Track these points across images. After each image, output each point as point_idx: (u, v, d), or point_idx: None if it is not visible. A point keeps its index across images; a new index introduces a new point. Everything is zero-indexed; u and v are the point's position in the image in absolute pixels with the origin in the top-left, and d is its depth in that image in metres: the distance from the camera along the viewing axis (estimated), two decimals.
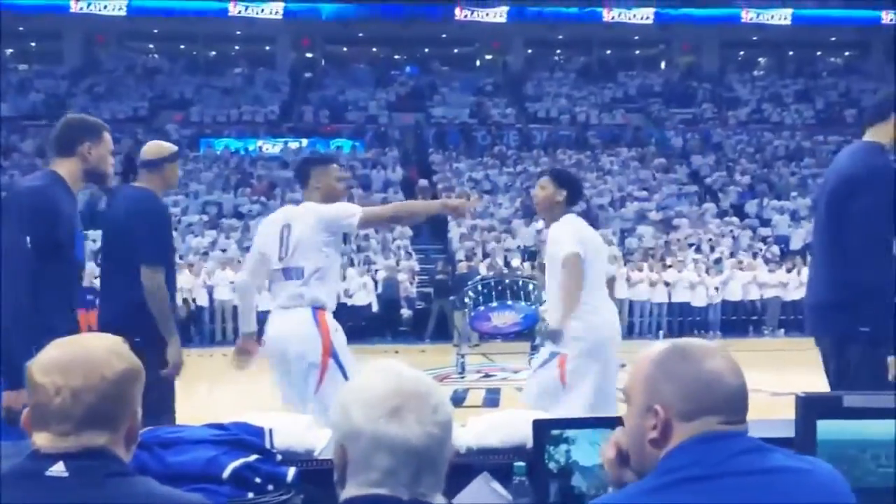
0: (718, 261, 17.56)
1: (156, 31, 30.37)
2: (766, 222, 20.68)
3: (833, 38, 31.66)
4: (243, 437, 2.11)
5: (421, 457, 1.27)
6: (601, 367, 4.19)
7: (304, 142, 24.87)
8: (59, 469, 1.33)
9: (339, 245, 4.05)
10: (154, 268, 3.56)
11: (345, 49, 32.57)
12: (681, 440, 1.40)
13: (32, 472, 1.35)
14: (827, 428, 1.91)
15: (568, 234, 4.19)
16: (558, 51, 32.89)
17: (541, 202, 4.40)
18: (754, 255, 17.97)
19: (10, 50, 31.15)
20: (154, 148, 3.89)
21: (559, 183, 4.35)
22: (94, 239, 18.56)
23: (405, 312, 16.35)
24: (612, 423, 2.17)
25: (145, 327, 3.45)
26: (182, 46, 31.64)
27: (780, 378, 4.11)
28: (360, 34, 30.77)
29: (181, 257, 17.17)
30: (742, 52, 33.15)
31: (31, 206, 3.03)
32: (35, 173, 3.35)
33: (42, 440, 1.37)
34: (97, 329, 3.47)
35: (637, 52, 32.87)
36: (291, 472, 2.06)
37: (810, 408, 1.94)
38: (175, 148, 3.98)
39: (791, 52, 32.74)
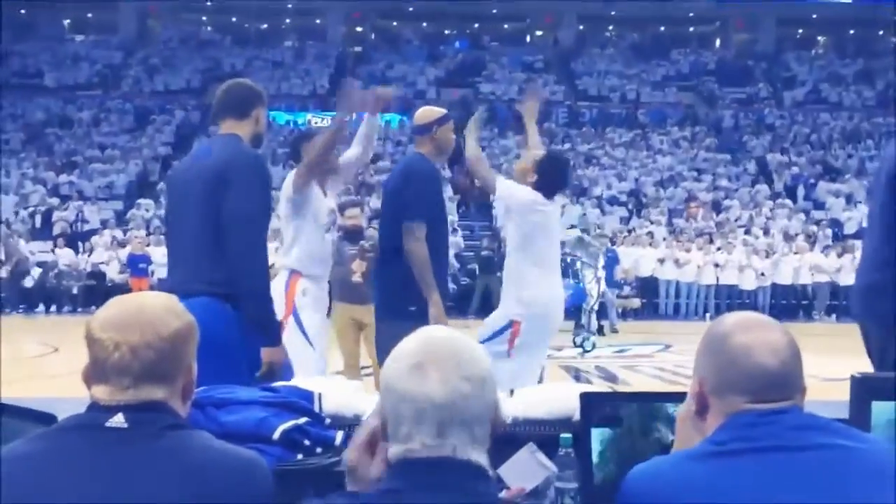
0: (789, 239, 17.21)
1: (208, 2, 30.62)
2: (820, 205, 20.24)
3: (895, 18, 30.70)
4: (293, 400, 2.14)
5: (443, 410, 1.27)
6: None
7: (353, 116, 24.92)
8: (118, 420, 1.37)
9: (307, 208, 3.99)
10: (411, 224, 3.71)
11: (395, 24, 32.49)
12: (718, 416, 1.40)
13: (92, 422, 1.38)
14: (882, 409, 1.87)
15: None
16: (611, 27, 32.41)
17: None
18: (807, 238, 17.59)
19: (67, 20, 31.70)
20: (424, 113, 3.98)
21: (535, 166, 4.17)
22: (147, 208, 18.95)
23: (450, 287, 16.37)
24: (665, 398, 2.15)
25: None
26: (234, 19, 31.84)
27: (830, 362, 4.02)
28: (410, 9, 30.65)
29: None
30: (800, 31, 32.31)
31: (262, 175, 3.09)
32: (218, 138, 3.28)
33: (101, 393, 1.41)
34: None
35: (691, 29, 32.25)
36: (339, 435, 2.08)
37: (865, 389, 1.91)
38: (442, 112, 3.99)
39: (851, 31, 31.81)
